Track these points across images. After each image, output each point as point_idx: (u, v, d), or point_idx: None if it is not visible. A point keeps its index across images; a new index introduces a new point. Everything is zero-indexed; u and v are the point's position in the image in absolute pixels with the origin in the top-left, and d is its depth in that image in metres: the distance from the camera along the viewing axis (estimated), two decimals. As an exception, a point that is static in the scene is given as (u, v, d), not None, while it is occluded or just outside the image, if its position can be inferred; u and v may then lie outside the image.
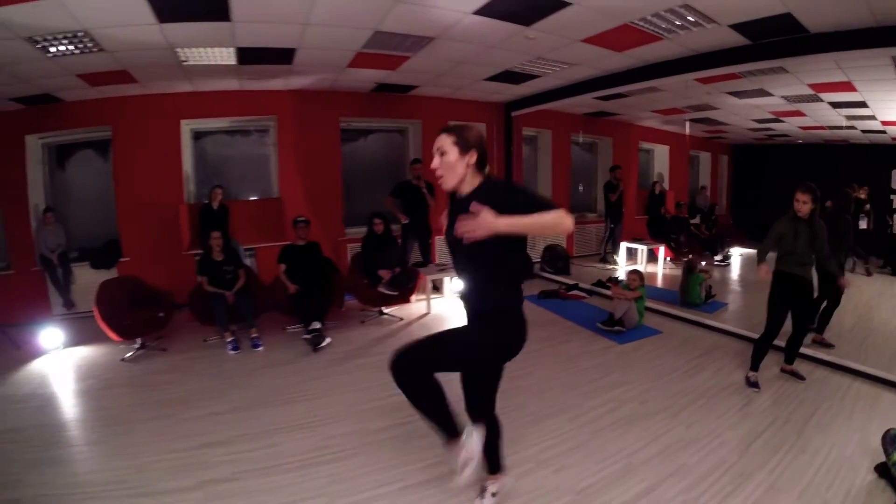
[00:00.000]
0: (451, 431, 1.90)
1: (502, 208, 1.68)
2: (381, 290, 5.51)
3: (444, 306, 6.19)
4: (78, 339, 5.08)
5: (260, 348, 4.77)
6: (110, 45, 4.12)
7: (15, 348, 4.90)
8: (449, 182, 1.86)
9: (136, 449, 3.02)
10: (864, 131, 7.74)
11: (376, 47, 4.73)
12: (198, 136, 6.53)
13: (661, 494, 2.51)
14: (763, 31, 4.07)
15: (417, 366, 1.85)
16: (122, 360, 4.53)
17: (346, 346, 4.86)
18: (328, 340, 4.81)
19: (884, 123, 7.04)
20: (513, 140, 8.02)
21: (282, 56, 4.90)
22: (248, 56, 4.81)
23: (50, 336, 4.85)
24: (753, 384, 3.78)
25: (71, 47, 4.06)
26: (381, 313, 5.83)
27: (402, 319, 5.70)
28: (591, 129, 9.21)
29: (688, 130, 8.06)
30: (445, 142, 1.84)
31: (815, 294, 4.00)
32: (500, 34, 4.41)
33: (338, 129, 6.86)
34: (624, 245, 8.42)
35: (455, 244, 1.87)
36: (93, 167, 6.42)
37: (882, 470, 2.62)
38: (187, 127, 6.32)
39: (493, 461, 2.32)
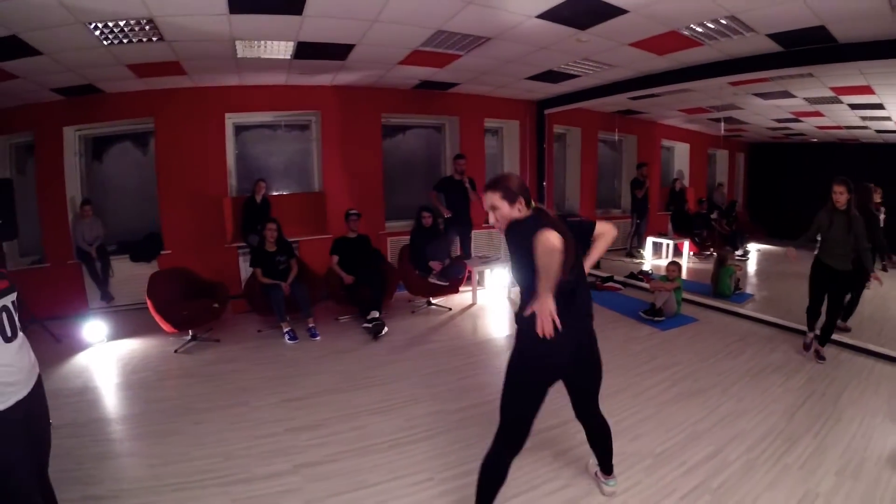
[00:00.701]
0: None
1: (517, 247, 1.94)
2: (433, 280, 5.80)
3: (489, 298, 6.47)
4: (120, 333, 5.10)
5: (318, 338, 4.91)
6: (172, 34, 4.12)
7: (55, 342, 4.86)
8: (502, 227, 2.03)
9: (218, 437, 3.07)
10: (878, 131, 8.01)
11: (433, 45, 4.91)
12: (238, 130, 6.71)
13: (726, 455, 2.85)
14: (795, 40, 4.34)
15: (499, 442, 2.12)
16: (176, 351, 4.59)
17: (402, 334, 5.07)
18: (386, 329, 5.02)
19: None
20: (545, 138, 8.28)
21: (338, 52, 5.04)
22: (305, 51, 4.91)
23: (93, 329, 4.83)
24: (806, 347, 4.38)
25: (131, 35, 4.02)
26: (430, 303, 6.11)
27: (450, 309, 5.96)
28: (616, 127, 9.47)
29: (722, 130, 8.36)
30: (494, 199, 1.99)
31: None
32: (555, 36, 4.64)
33: (379, 125, 7.10)
34: (650, 240, 8.73)
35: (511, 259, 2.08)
36: (131, 160, 6.51)
37: None
38: (230, 121, 6.49)
39: (603, 462, 2.52)
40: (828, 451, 2.88)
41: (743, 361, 4.26)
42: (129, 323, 5.41)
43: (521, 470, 2.71)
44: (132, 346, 4.85)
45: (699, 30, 4.25)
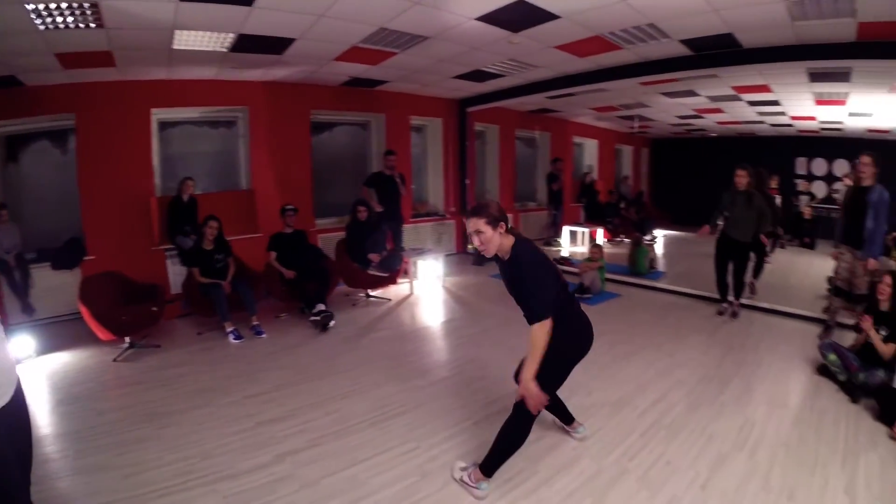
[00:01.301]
0: (491, 469, 2.40)
1: (516, 279, 2.25)
2: (373, 272, 5.91)
3: (425, 288, 6.66)
4: (49, 346, 4.61)
5: (263, 335, 4.76)
6: (114, 20, 3.87)
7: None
8: (490, 252, 2.28)
9: (188, 439, 2.94)
10: (772, 125, 9.20)
11: (372, 43, 5.01)
12: (163, 126, 6.33)
13: (671, 398, 3.34)
14: (705, 45, 4.97)
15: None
16: (115, 360, 4.24)
17: (349, 326, 5.08)
18: (333, 321, 5.01)
19: (793, 118, 8.55)
20: (467, 135, 8.67)
21: (277, 46, 4.95)
22: (244, 44, 4.77)
23: (19, 344, 4.38)
24: (720, 313, 5.12)
25: (70, 19, 3.73)
26: (369, 296, 6.17)
27: (389, 300, 6.07)
28: (532, 124, 10.10)
29: (637, 127, 9.21)
30: (479, 224, 2.21)
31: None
32: (489, 38, 4.94)
33: (308, 122, 7.06)
34: (566, 229, 9.41)
35: (511, 291, 2.35)
36: (49, 160, 5.91)
37: (822, 369, 3.69)
38: (155, 116, 6.11)
39: (563, 415, 2.90)
40: (756, 388, 3.49)
41: (668, 326, 4.88)
42: (56, 336, 4.91)
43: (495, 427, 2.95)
44: (65, 359, 4.36)
45: (623, 35, 4.75)
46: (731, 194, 4.87)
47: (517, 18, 4.40)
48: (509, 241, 2.26)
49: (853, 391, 3.30)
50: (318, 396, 3.48)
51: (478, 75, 6.69)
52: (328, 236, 7.03)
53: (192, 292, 4.97)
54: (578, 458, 2.71)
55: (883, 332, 3.31)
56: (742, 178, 4.77)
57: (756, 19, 4.16)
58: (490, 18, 4.39)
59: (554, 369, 2.30)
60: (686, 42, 4.91)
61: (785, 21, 4.13)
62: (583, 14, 4.24)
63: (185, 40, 4.56)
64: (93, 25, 3.95)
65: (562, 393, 2.83)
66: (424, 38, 4.95)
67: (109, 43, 4.42)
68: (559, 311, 2.27)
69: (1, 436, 1.44)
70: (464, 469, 2.51)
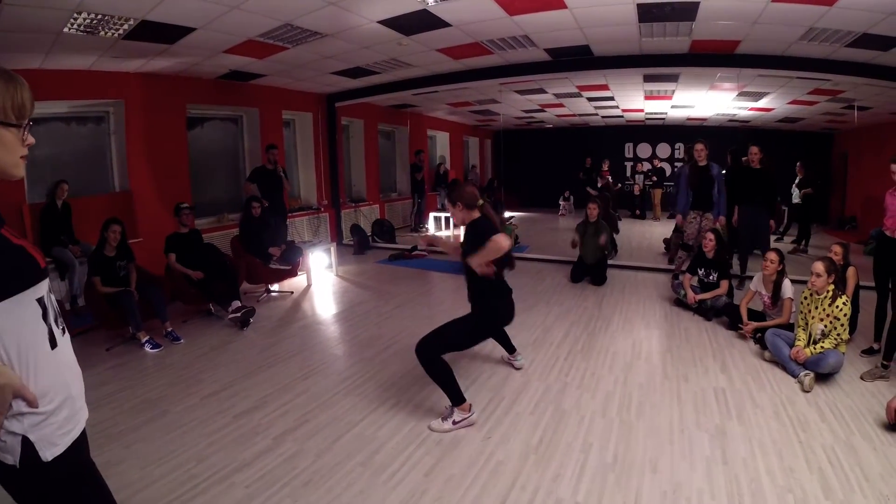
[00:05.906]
0: (458, 398, 2.85)
1: (472, 240, 2.76)
2: (274, 266, 5.99)
3: (321, 278, 6.86)
4: None
5: (181, 341, 4.51)
6: None
7: None
8: (457, 222, 2.95)
9: (169, 448, 2.73)
10: (603, 116, 10.86)
11: (269, 37, 5.05)
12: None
13: (574, 333, 4.35)
14: (563, 53, 6.02)
15: (434, 349, 2.82)
16: None
17: (264, 321, 5.02)
18: (253, 317, 4.96)
19: (623, 111, 10.21)
20: (336, 129, 8.95)
21: (173, 35, 4.71)
22: (142, 31, 4.47)
23: None
24: None
25: None
26: (269, 291, 6.17)
27: (292, 293, 6.15)
28: (392, 119, 10.66)
29: (502, 120, 10.28)
30: (447, 202, 2.92)
31: None
32: (382, 39, 5.35)
33: (184, 117, 6.70)
34: (431, 215, 10.25)
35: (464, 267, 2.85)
36: None
37: (677, 302, 5.03)
38: None
39: (507, 345, 3.67)
40: (633, 319, 4.66)
41: (548, 285, 5.97)
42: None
43: (458, 371, 3.42)
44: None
45: (498, 42, 5.56)
46: (583, 224, 6.09)
47: (413, 24, 4.87)
48: (472, 216, 2.84)
49: (705, 313, 4.63)
50: (279, 383, 3.53)
51: (355, 72, 6.99)
52: (209, 236, 6.76)
53: (97, 304, 4.55)
54: (528, 381, 3.46)
55: (714, 275, 4.65)
56: (593, 210, 5.99)
57: (611, 36, 5.25)
58: (392, 23, 4.80)
59: (479, 331, 3.02)
60: (548, 50, 5.91)
61: (634, 38, 5.28)
62: (472, 24, 4.93)
63: (81, 23, 4.16)
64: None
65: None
66: (322, 36, 5.12)
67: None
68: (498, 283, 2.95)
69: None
70: (445, 418, 2.86)
